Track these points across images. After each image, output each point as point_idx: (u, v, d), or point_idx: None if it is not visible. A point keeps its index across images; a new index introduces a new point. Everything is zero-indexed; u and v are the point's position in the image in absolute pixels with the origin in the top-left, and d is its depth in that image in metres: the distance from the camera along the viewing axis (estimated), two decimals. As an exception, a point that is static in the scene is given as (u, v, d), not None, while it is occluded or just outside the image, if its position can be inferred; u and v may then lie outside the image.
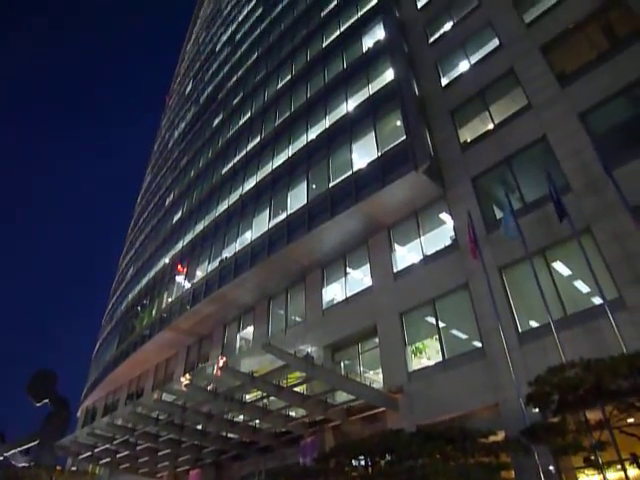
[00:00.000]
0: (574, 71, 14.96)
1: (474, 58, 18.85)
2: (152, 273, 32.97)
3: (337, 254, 19.83)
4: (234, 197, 26.28)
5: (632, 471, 8.63)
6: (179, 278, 27.88)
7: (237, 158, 28.32)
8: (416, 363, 15.69)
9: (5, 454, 56.28)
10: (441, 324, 15.06)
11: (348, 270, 19.56)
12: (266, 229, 21.82)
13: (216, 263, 24.66)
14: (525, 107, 15.72)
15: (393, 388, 14.81)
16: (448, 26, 20.91)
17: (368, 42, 22.29)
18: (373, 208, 17.83)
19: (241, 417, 17.69)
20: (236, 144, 29.39)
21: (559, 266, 13.22)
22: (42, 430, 61.52)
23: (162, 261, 31.93)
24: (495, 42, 18.15)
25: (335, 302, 19.46)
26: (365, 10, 23.63)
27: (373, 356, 16.99)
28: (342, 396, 15.54)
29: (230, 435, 18.31)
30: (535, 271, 12.11)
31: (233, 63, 37.18)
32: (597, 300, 11.50)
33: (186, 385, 15.94)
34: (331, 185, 19.35)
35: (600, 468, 8.71)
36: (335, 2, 26.66)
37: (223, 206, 26.99)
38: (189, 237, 29.33)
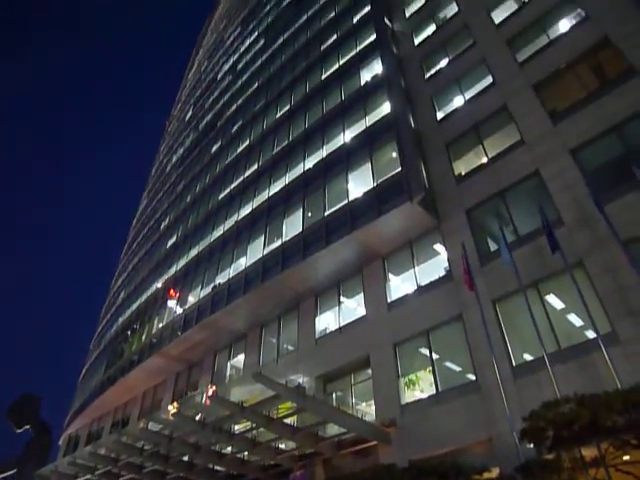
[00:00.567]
0: (565, 109, 15.37)
1: (469, 94, 19.33)
2: (144, 297, 32.64)
3: (331, 282, 19.78)
4: (230, 223, 26.33)
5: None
6: (171, 303, 27.61)
7: (234, 184, 28.52)
8: (409, 396, 15.46)
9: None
10: (435, 356, 14.93)
11: (342, 299, 19.48)
12: (260, 256, 21.80)
13: (209, 289, 24.50)
14: (518, 142, 16.05)
15: (385, 421, 14.54)
16: (444, 62, 21.50)
17: (366, 76, 22.84)
18: (368, 237, 17.91)
19: (229, 449, 17.23)
20: (234, 171, 29.65)
21: (552, 299, 13.26)
22: (21, 457, 59.51)
23: (154, 285, 31.67)
24: (489, 79, 18.66)
25: (328, 331, 19.30)
26: (364, 45, 24.30)
27: (366, 388, 16.75)
28: (333, 429, 15.22)
29: (217, 468, 17.79)
30: (529, 304, 12.11)
31: (234, 92, 37.88)
32: (591, 334, 11.49)
33: (173, 414, 15.59)
34: (327, 214, 19.47)
35: (596, 507, 8.53)
36: (335, 37, 27.42)
37: (218, 232, 27.01)
38: (183, 262, 29.20)
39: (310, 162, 22.53)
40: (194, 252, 28.41)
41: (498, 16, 20.10)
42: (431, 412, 13.87)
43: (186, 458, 17.56)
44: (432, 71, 21.83)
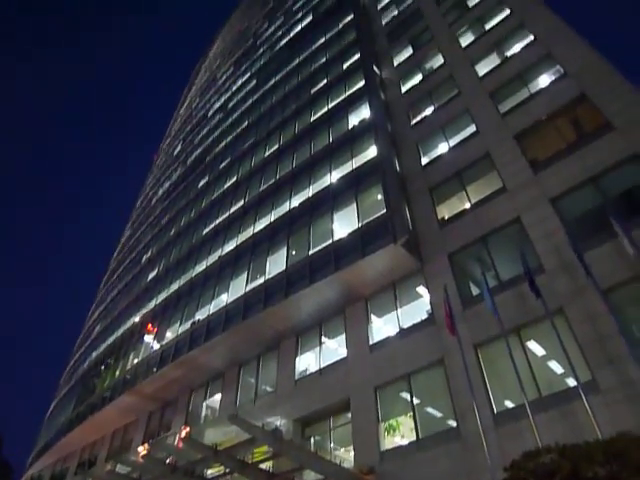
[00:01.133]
0: (546, 159, 15.89)
1: (453, 141, 19.91)
2: (120, 331, 31.79)
3: (313, 322, 19.56)
4: (213, 258, 26.13)
5: None
6: (148, 338, 26.92)
7: (219, 220, 28.51)
8: (389, 442, 15.09)
9: None
10: (416, 401, 14.69)
11: (323, 339, 19.22)
12: (243, 293, 21.55)
13: (188, 325, 24.00)
14: (500, 189, 16.45)
15: (364, 468, 14.08)
16: (429, 110, 22.24)
17: (354, 120, 23.43)
18: (352, 278, 17.89)
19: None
20: (219, 206, 29.71)
21: (534, 345, 13.26)
22: (-22, 500, 56.00)
23: (132, 319, 30.93)
24: (473, 128, 19.29)
25: (308, 372, 18.92)
26: (353, 90, 25.04)
27: (345, 432, 16.28)
28: (310, 475, 14.70)
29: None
30: (510, 350, 12.08)
31: (223, 129, 38.48)
32: (571, 381, 11.45)
33: (143, 456, 14.91)
34: (311, 252, 19.48)
35: None
36: (325, 81, 28.27)
37: (201, 266, 26.74)
38: (163, 296, 28.69)
39: (296, 201, 22.70)
40: (175, 286, 27.99)
41: (482, 69, 21.02)
42: (411, 460, 13.50)
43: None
44: (418, 118, 22.53)
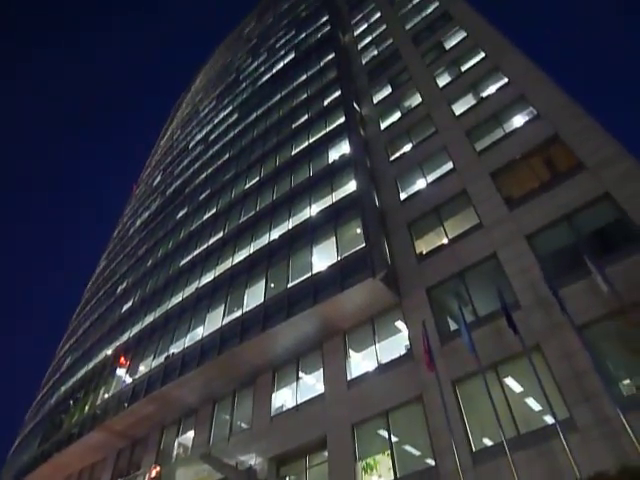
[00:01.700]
0: (520, 196, 16.29)
1: (430, 177, 20.31)
2: (92, 364, 30.69)
3: (290, 357, 19.22)
4: (190, 290, 25.70)
5: None
6: (120, 372, 26.04)
7: (197, 251, 28.22)
8: (366, 481, 14.68)
9: None
10: (394, 439, 14.39)
11: (301, 374, 18.86)
12: (219, 326, 21.15)
13: (162, 359, 23.34)
14: (477, 226, 16.73)
15: (340, 510, 13.64)
16: (408, 147, 22.75)
17: (334, 155, 23.79)
18: (330, 311, 17.75)
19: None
20: (198, 237, 29.46)
21: (511, 382, 13.23)
22: None
23: (104, 352, 29.95)
24: (450, 165, 19.75)
25: (285, 409, 18.45)
26: (333, 126, 25.52)
27: (321, 471, 15.76)
28: (285, 517, 14.14)
29: None
30: (488, 386, 12.03)
31: (204, 161, 38.59)
32: (549, 419, 11.40)
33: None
34: (290, 285, 19.33)
35: None
36: (306, 117, 28.78)
37: (177, 298, 26.24)
38: (137, 328, 27.95)
39: (276, 233, 22.68)
40: (150, 318, 27.34)
41: (458, 109, 21.71)
42: (389, 501, 13.12)
43: None
44: (396, 154, 23.00)
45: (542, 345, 12.52)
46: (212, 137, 41.36)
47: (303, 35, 39.73)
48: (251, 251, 23.28)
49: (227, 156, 34.96)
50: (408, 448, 14.69)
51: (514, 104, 19.26)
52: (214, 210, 30.38)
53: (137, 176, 67.11)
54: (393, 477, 13.63)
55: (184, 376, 20.83)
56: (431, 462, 13.12)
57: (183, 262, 28.80)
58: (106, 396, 25.80)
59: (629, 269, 12.08)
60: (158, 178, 49.64)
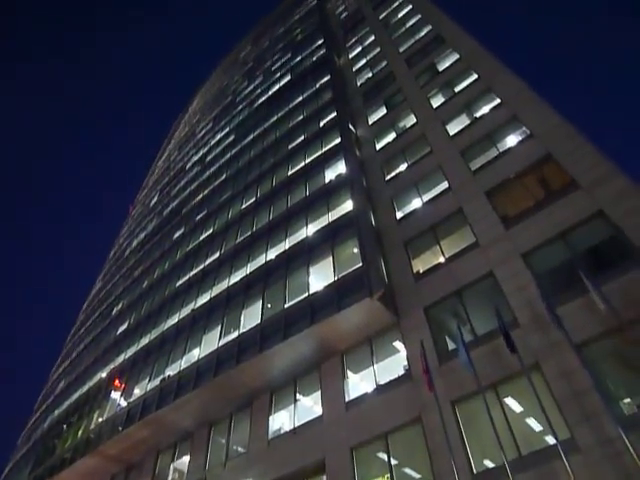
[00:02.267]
0: (516, 215, 16.37)
1: (426, 196, 20.42)
2: (86, 387, 30.18)
3: (288, 378, 18.98)
4: (185, 311, 25.50)
5: None
6: (115, 395, 25.63)
7: (193, 272, 28.08)
8: (366, 507, 14.36)
9: None
10: (394, 461, 14.13)
11: (298, 396, 18.60)
12: (215, 347, 20.93)
13: (157, 381, 22.99)
14: (473, 244, 16.76)
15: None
16: (403, 167, 22.92)
17: (330, 175, 23.93)
18: (327, 332, 17.61)
19: None
20: (194, 258, 29.36)
21: (511, 402, 13.07)
22: None
23: (99, 375, 29.51)
24: (445, 184, 19.87)
25: (282, 432, 18.14)
26: (329, 147, 25.74)
27: (319, 497, 15.50)
28: None
29: None
30: (488, 406, 11.89)
31: (201, 182, 38.73)
32: (551, 439, 11.24)
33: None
34: (287, 306, 19.21)
35: None
36: (302, 137, 29.04)
37: (173, 320, 26.00)
38: (132, 350, 27.61)
39: (272, 253, 22.63)
40: (145, 340, 27.04)
41: (452, 129, 21.97)
42: (389, 527, 12.83)
43: None
44: (392, 174, 23.16)
45: (541, 364, 12.42)
46: (209, 158, 41.61)
47: (299, 58, 40.37)
48: (248, 271, 23.19)
49: (224, 177, 35.12)
50: (408, 471, 14.42)
51: (507, 124, 19.51)
52: (211, 230, 30.36)
53: (134, 197, 67.24)
54: (393, 501, 13.35)
55: (180, 399, 20.50)
56: (431, 485, 12.87)
57: (179, 283, 28.64)
58: (100, 420, 25.32)
59: (626, 286, 12.09)
60: (155, 198, 49.71)
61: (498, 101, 20.77)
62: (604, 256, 13.89)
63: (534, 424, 12.70)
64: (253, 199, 28.55)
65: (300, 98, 33.62)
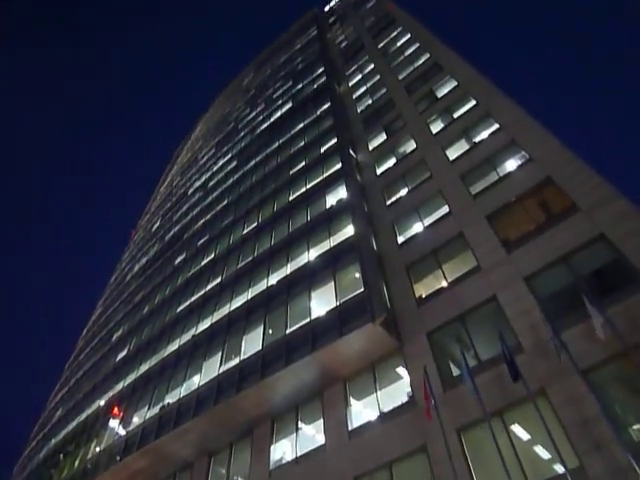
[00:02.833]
0: (517, 239, 16.35)
1: (427, 221, 20.45)
2: (84, 416, 29.69)
3: (290, 405, 18.65)
4: (186, 337, 25.26)
5: None
6: (113, 423, 25.17)
7: (194, 297, 27.95)
8: (370, 540, 13.92)
9: None
10: (398, 492, 13.77)
11: (300, 425, 18.23)
12: (216, 374, 20.65)
13: (156, 409, 22.62)
14: (475, 268, 16.69)
15: None
16: (404, 192, 23.04)
17: (331, 200, 24.04)
18: (330, 358, 17.39)
19: None
20: (195, 283, 29.26)
21: (518, 429, 12.80)
22: None
23: (97, 403, 29.04)
24: (445, 209, 19.93)
25: (284, 461, 17.73)
26: (330, 172, 25.94)
27: (322, 530, 15.04)
28: None
29: None
30: (494, 434, 11.64)
31: (203, 207, 38.95)
32: (559, 468, 10.96)
33: None
34: (288, 331, 19.03)
35: None
36: (303, 163, 29.31)
37: (173, 346, 25.74)
38: (132, 377, 27.24)
39: (274, 278, 22.55)
40: (145, 367, 26.71)
41: (452, 154, 22.16)
42: None
43: None
44: (393, 199, 23.26)
45: (547, 390, 12.21)
46: (211, 184, 41.95)
47: (300, 86, 41.12)
48: (249, 297, 23.07)
49: (226, 202, 35.32)
50: (413, 502, 14.02)
51: (506, 149, 19.68)
52: (212, 255, 30.35)
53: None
54: (398, 534, 12.94)
55: (179, 427, 20.12)
56: (438, 518, 12.50)
57: (180, 308, 28.47)
58: (98, 449, 24.82)
59: (630, 310, 11.98)
60: (157, 224, 49.92)
61: (497, 126, 21.00)
62: (607, 279, 13.79)
63: (542, 452, 12.40)
64: (255, 224, 28.63)
65: (301, 125, 34.08)
